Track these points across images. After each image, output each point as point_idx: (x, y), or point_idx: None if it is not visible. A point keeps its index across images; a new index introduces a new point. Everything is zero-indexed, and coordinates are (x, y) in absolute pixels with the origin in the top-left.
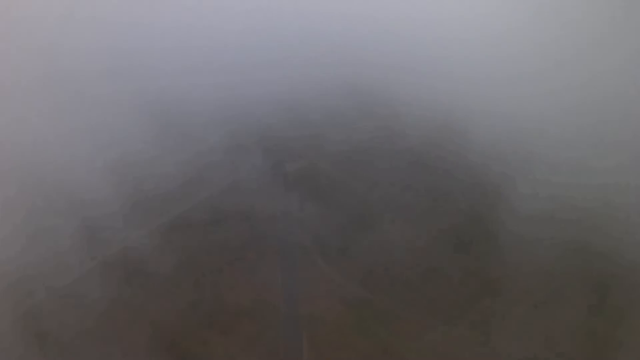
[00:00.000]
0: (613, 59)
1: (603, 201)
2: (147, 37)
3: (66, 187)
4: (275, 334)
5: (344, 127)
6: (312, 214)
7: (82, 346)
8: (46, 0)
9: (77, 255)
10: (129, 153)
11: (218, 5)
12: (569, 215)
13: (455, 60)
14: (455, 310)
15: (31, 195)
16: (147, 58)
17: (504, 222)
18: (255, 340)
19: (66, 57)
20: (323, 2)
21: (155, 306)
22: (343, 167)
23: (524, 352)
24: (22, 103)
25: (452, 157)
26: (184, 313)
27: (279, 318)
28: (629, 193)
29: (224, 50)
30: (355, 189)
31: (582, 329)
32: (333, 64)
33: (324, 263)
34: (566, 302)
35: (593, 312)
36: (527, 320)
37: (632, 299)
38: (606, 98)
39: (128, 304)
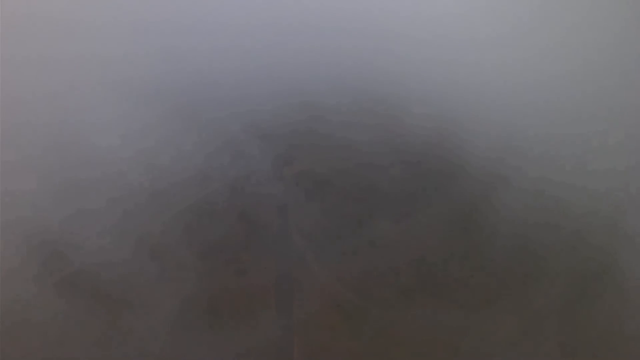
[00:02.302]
0: (619, 67)
1: (602, 204)
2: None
3: (98, 173)
4: (268, 337)
5: (343, 129)
6: (308, 216)
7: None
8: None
9: (112, 234)
10: (152, 146)
11: (230, 9)
12: (567, 219)
13: (457, 64)
14: (451, 317)
15: (67, 175)
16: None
17: (501, 227)
18: (247, 343)
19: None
20: (326, 4)
21: (147, 307)
22: (341, 169)
23: None
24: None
25: (451, 161)
26: (176, 315)
27: (272, 322)
28: (627, 196)
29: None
30: (352, 192)
31: (577, 336)
32: (339, 65)
33: (318, 267)
34: (562, 307)
35: (587, 316)
36: (523, 328)
37: (627, 304)
38: (610, 104)
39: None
